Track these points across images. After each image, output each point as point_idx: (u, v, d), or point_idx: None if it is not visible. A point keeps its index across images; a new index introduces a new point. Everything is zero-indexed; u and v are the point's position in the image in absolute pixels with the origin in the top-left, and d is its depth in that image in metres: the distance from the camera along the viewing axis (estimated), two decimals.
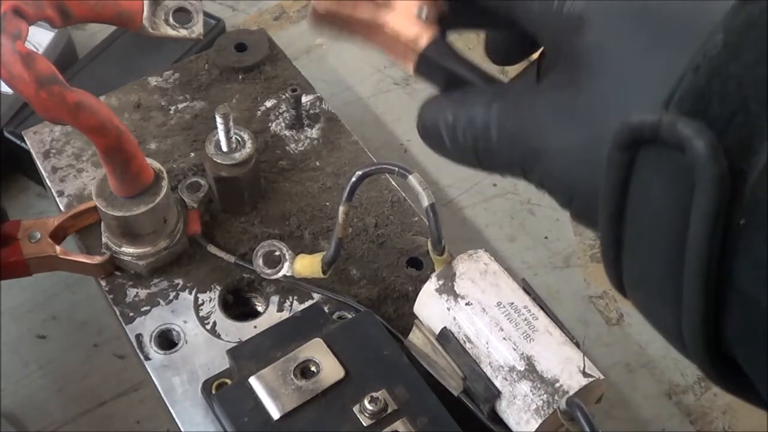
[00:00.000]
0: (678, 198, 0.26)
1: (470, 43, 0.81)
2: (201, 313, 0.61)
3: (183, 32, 0.60)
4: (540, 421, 0.48)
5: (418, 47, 0.39)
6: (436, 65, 0.39)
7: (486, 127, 0.34)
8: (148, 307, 0.61)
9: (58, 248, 0.62)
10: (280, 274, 0.58)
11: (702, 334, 0.27)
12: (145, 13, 0.58)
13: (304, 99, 0.73)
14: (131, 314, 0.61)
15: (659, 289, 0.29)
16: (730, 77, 0.25)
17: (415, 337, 0.54)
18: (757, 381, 0.28)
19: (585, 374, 0.48)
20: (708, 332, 0.27)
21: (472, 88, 0.37)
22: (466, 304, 0.51)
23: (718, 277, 0.26)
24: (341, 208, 0.52)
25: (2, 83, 0.56)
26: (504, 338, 0.50)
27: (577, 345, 0.50)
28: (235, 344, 0.57)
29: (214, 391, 0.54)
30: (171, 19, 0.59)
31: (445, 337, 0.52)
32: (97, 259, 0.61)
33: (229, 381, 0.55)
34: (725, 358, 0.28)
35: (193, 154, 0.69)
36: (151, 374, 0.58)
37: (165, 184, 0.60)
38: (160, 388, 0.57)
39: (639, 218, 0.28)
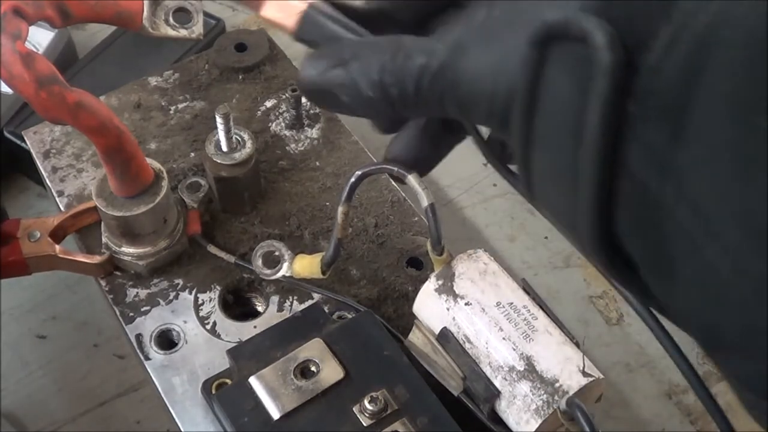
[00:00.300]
0: (580, 88, 0.29)
1: None
2: (201, 313, 0.61)
3: (183, 32, 0.60)
4: (540, 421, 0.48)
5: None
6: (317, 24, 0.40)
7: (399, 78, 0.35)
8: (148, 307, 0.61)
9: (57, 247, 0.61)
10: (279, 274, 0.58)
11: (595, 218, 0.30)
12: (145, 13, 0.58)
13: (304, 99, 0.73)
14: (131, 314, 0.61)
15: (559, 179, 0.31)
16: None
17: (415, 337, 0.54)
18: (642, 267, 0.30)
19: (585, 374, 0.48)
20: (600, 217, 0.30)
21: (361, 41, 0.39)
22: (466, 304, 0.51)
23: (612, 166, 0.28)
24: (340, 209, 0.52)
25: (2, 83, 0.56)
26: (504, 338, 0.50)
27: (577, 345, 0.50)
28: (235, 344, 0.57)
29: (214, 391, 0.54)
30: (171, 19, 0.59)
31: (444, 337, 0.52)
32: (96, 259, 0.61)
33: (229, 381, 0.55)
34: (617, 251, 0.31)
35: (193, 154, 0.69)
36: (151, 374, 0.58)
37: (165, 184, 0.60)
38: (160, 388, 0.57)
39: (547, 112, 0.31)
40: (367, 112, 0.39)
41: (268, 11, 0.43)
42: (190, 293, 0.62)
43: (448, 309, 0.52)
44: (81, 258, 0.62)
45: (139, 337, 0.60)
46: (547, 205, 0.34)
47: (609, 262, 0.31)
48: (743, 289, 0.26)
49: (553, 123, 0.31)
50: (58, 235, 0.63)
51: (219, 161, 0.62)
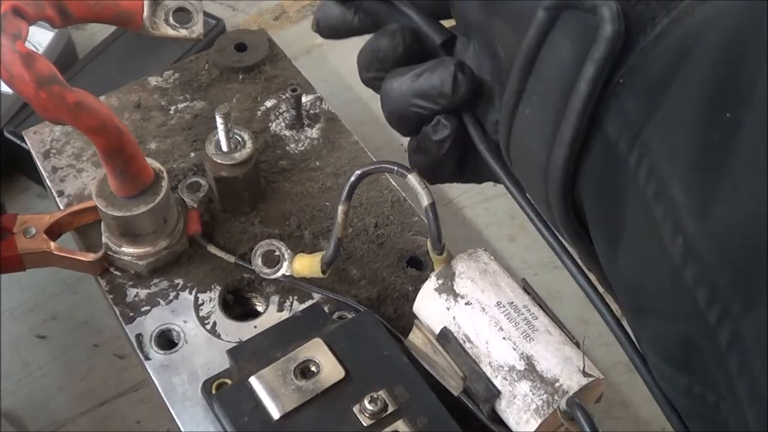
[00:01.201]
0: (580, 50, 0.32)
1: None
2: (201, 313, 0.61)
3: (183, 32, 0.60)
4: (540, 420, 0.48)
5: None
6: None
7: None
8: (148, 307, 0.61)
9: (52, 244, 0.62)
10: (279, 273, 0.58)
11: (564, 166, 0.33)
12: (145, 13, 0.58)
13: (304, 99, 0.73)
14: (131, 314, 0.61)
15: (540, 131, 0.34)
16: None
17: (415, 337, 0.54)
18: (592, 224, 0.34)
19: (585, 374, 0.48)
20: (569, 165, 0.33)
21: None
22: (466, 303, 0.51)
23: (591, 124, 0.32)
24: (340, 208, 0.52)
25: (2, 83, 0.56)
26: (504, 338, 0.50)
27: (577, 345, 0.50)
28: (235, 344, 0.57)
29: (214, 391, 0.54)
30: (171, 19, 0.59)
31: (444, 336, 0.52)
32: (90, 256, 0.61)
33: (229, 381, 0.55)
34: (576, 210, 0.35)
35: (193, 154, 0.69)
36: (151, 374, 0.58)
37: (165, 184, 0.60)
38: (160, 388, 0.57)
39: (544, 68, 0.34)
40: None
41: None
42: (190, 293, 0.62)
43: (448, 308, 0.52)
44: (75, 255, 0.62)
45: (139, 337, 0.60)
46: (520, 162, 0.37)
47: (567, 216, 0.35)
48: (677, 249, 0.28)
49: (547, 81, 0.34)
50: (54, 231, 0.63)
51: (219, 161, 0.62)
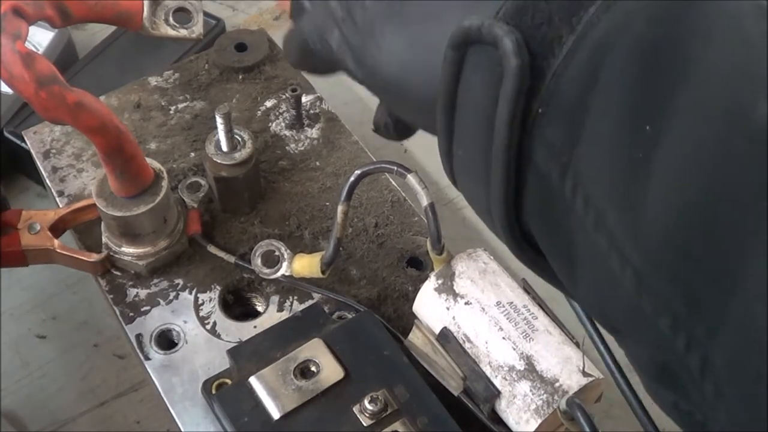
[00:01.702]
0: (491, 87, 0.31)
1: None
2: (201, 313, 0.61)
3: (183, 32, 0.60)
4: (540, 420, 0.48)
5: None
6: None
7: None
8: (148, 307, 0.61)
9: (56, 242, 0.62)
10: (279, 273, 0.58)
11: (503, 205, 0.32)
12: (145, 13, 0.58)
13: (304, 99, 0.73)
14: (131, 314, 0.61)
15: (476, 171, 0.33)
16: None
17: (415, 337, 0.54)
18: (547, 254, 0.33)
19: (585, 374, 0.48)
20: (509, 207, 0.32)
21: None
22: (466, 303, 0.51)
23: (518, 159, 0.31)
24: (340, 208, 0.52)
25: (2, 83, 0.56)
26: (503, 338, 0.50)
27: (577, 345, 0.50)
28: (235, 344, 0.57)
29: (214, 391, 0.54)
30: (171, 19, 0.59)
31: (444, 336, 0.52)
32: (93, 257, 0.61)
33: (229, 381, 0.55)
34: (528, 239, 0.33)
35: (193, 154, 0.69)
36: (151, 374, 0.58)
37: (165, 184, 0.60)
38: (160, 388, 0.57)
39: (464, 107, 0.33)
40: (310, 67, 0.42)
41: None
42: (190, 293, 0.62)
43: (448, 308, 0.52)
44: (78, 255, 0.62)
45: (139, 337, 0.60)
46: (465, 192, 0.37)
47: (519, 249, 0.34)
48: (629, 280, 0.27)
49: (469, 120, 0.33)
50: (58, 228, 0.63)
51: (219, 161, 0.62)
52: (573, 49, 0.29)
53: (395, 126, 0.45)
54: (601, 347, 0.46)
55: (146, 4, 0.59)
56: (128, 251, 0.61)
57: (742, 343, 0.25)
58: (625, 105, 0.27)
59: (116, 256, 0.62)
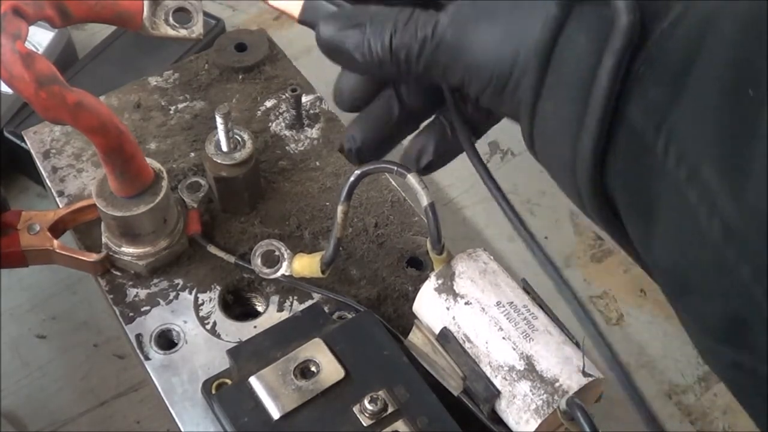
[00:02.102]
0: (597, 45, 0.33)
1: None
2: (201, 313, 0.61)
3: (183, 32, 0.60)
4: (540, 420, 0.48)
5: None
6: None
7: (406, 43, 0.40)
8: (148, 307, 0.61)
9: (56, 242, 0.62)
10: (279, 273, 0.58)
11: (592, 159, 0.33)
12: (145, 12, 0.58)
13: (304, 99, 0.73)
14: (131, 314, 0.61)
15: (565, 130, 0.35)
16: None
17: (415, 337, 0.54)
18: (625, 214, 0.34)
19: (585, 374, 0.48)
20: (596, 158, 0.33)
21: (377, 7, 0.42)
22: (466, 303, 0.51)
23: (614, 116, 0.32)
24: (340, 208, 0.52)
25: (2, 83, 0.56)
26: (503, 338, 0.50)
27: (577, 345, 0.50)
28: (235, 344, 0.57)
29: (214, 391, 0.54)
30: (171, 19, 0.59)
31: (444, 336, 0.52)
32: (93, 257, 0.61)
33: (229, 381, 0.55)
34: (607, 199, 0.35)
35: (193, 154, 0.69)
36: (151, 374, 0.58)
37: (165, 184, 0.60)
38: (160, 388, 0.57)
39: (562, 65, 0.34)
40: (376, 71, 0.42)
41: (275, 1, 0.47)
42: (190, 293, 0.62)
43: (448, 308, 0.52)
44: (78, 255, 0.62)
45: (139, 337, 0.60)
46: (546, 154, 0.38)
47: (599, 207, 0.35)
48: (716, 230, 0.29)
49: (566, 75, 0.34)
50: (57, 229, 0.63)
51: (219, 161, 0.62)
52: (681, 16, 0.31)
53: (358, 151, 0.47)
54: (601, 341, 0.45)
55: (146, 4, 0.59)
56: (128, 251, 0.61)
57: None
58: (727, 71, 0.29)
59: (116, 256, 0.62)
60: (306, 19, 0.47)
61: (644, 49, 0.32)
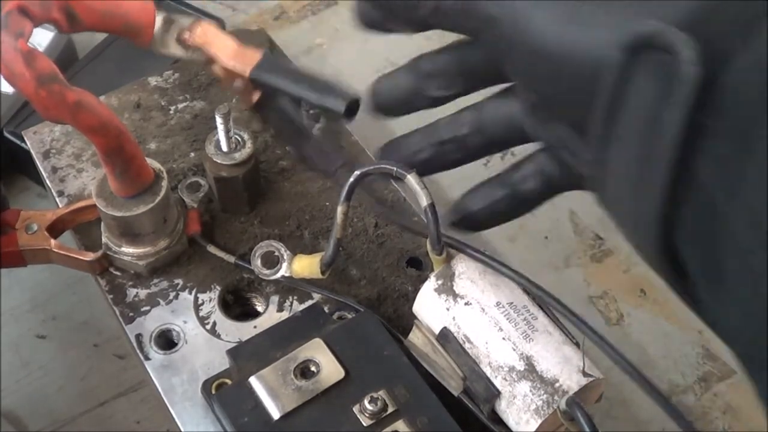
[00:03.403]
0: (663, 96, 0.30)
1: None
2: (201, 313, 0.61)
3: (191, 53, 0.60)
4: (540, 421, 0.48)
5: None
6: None
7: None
8: (148, 307, 0.61)
9: (53, 242, 0.62)
10: (279, 274, 0.58)
11: (659, 222, 0.31)
12: (157, 28, 0.58)
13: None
14: (131, 314, 0.61)
15: (630, 183, 0.33)
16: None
17: (415, 337, 0.54)
18: (694, 277, 0.32)
19: (585, 374, 0.48)
20: (664, 223, 0.31)
21: None
22: (466, 303, 0.51)
23: (680, 174, 0.30)
24: (339, 208, 0.52)
25: (2, 83, 0.56)
26: (503, 338, 0.50)
27: (577, 345, 0.50)
28: (235, 344, 0.57)
29: (214, 391, 0.54)
30: (182, 39, 0.59)
31: (444, 337, 0.52)
32: (90, 256, 0.61)
33: (229, 381, 0.55)
34: (674, 258, 0.32)
35: (193, 154, 0.69)
36: (151, 374, 0.58)
37: (165, 184, 0.60)
38: (160, 388, 0.57)
39: (630, 114, 0.32)
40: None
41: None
42: (190, 293, 0.62)
43: (447, 309, 0.52)
44: (75, 254, 0.62)
45: (139, 337, 0.60)
46: (614, 206, 0.36)
47: (666, 268, 0.32)
48: None
49: (634, 125, 0.32)
50: (56, 229, 0.63)
51: (219, 161, 0.62)
52: (751, 67, 0.29)
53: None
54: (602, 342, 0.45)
55: (159, 19, 0.59)
56: (128, 251, 0.61)
57: None
58: None
59: (116, 256, 0.62)
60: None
61: (711, 101, 0.29)
